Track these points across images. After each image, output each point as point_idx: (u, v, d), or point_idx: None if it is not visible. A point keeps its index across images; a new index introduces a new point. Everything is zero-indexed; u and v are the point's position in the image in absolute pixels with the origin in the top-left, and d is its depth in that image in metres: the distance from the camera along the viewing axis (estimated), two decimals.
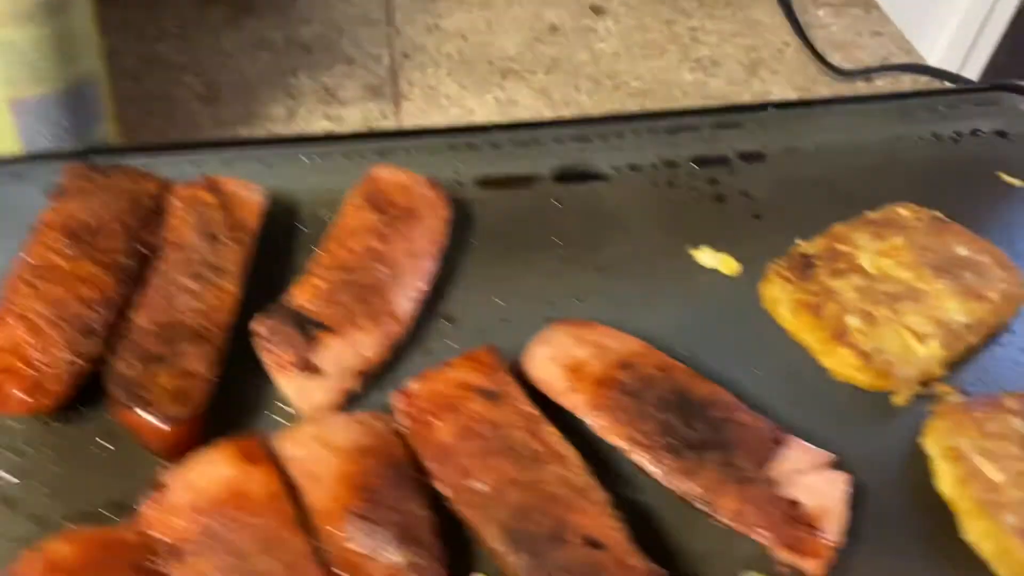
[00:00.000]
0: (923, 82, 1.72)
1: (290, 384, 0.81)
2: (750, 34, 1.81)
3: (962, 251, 1.05)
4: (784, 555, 0.75)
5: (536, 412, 0.79)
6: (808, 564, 0.74)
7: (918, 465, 0.87)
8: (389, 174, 1.00)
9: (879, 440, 0.89)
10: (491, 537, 0.72)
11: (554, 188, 1.14)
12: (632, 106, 1.58)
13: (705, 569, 0.78)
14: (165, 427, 0.75)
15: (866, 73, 1.72)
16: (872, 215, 1.10)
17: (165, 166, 1.06)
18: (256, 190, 0.98)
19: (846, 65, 1.75)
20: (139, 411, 0.75)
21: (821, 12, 1.92)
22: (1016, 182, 1.21)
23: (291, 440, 0.77)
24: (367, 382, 0.85)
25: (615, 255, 1.05)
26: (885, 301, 0.97)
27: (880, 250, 1.03)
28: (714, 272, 1.04)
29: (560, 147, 1.19)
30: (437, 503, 0.76)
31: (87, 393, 0.81)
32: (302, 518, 0.71)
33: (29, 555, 0.67)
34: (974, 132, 1.30)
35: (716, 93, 1.64)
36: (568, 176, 1.16)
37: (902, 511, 0.84)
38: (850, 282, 0.99)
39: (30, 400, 0.76)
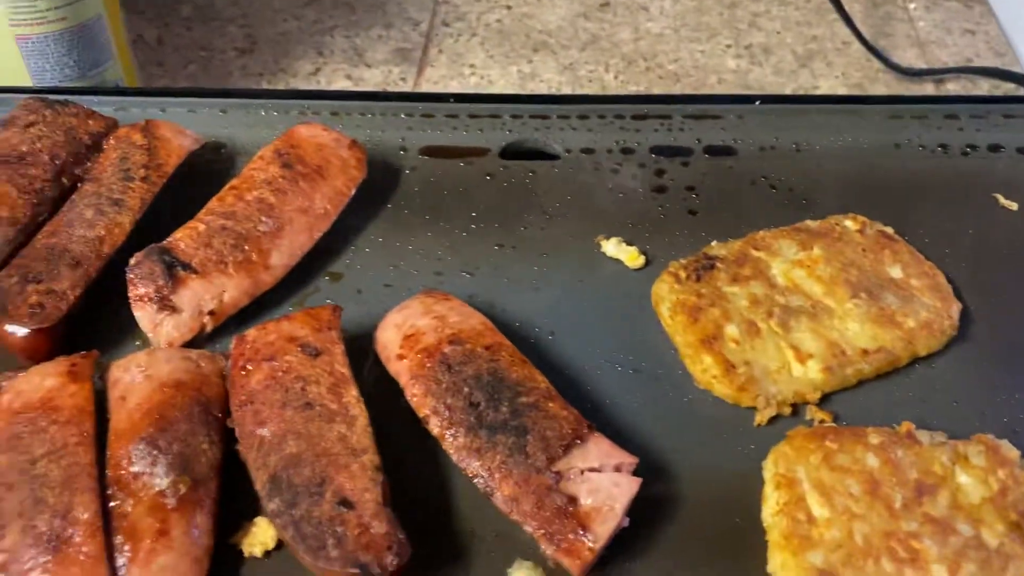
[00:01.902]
0: (1006, 89, 1.57)
1: (144, 316, 0.88)
2: (818, 24, 1.71)
3: (895, 272, 0.97)
4: (548, 548, 0.74)
5: (346, 373, 0.82)
6: (567, 562, 0.73)
7: (753, 489, 0.82)
8: (308, 132, 1.04)
9: (724, 457, 0.85)
10: (258, 480, 0.76)
11: (497, 163, 1.14)
12: (657, 89, 1.54)
13: (482, 550, 0.78)
14: (18, 335, 0.84)
15: (936, 74, 1.58)
16: (811, 223, 1.03)
17: (135, 107, 1.16)
18: (190, 136, 1.05)
19: (919, 64, 1.62)
20: None
21: (912, 5, 1.77)
22: (1012, 205, 1.09)
23: (121, 366, 0.84)
24: (218, 323, 0.90)
25: (524, 235, 1.05)
26: (779, 314, 0.92)
27: (798, 260, 0.97)
28: (617, 263, 1.02)
29: (518, 123, 1.19)
30: (232, 447, 0.80)
31: None
32: (103, 438, 0.78)
33: None
34: (994, 147, 1.18)
35: (755, 83, 1.57)
36: (515, 153, 1.16)
37: (716, 531, 0.80)
38: (748, 289, 0.94)
39: None
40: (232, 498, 0.78)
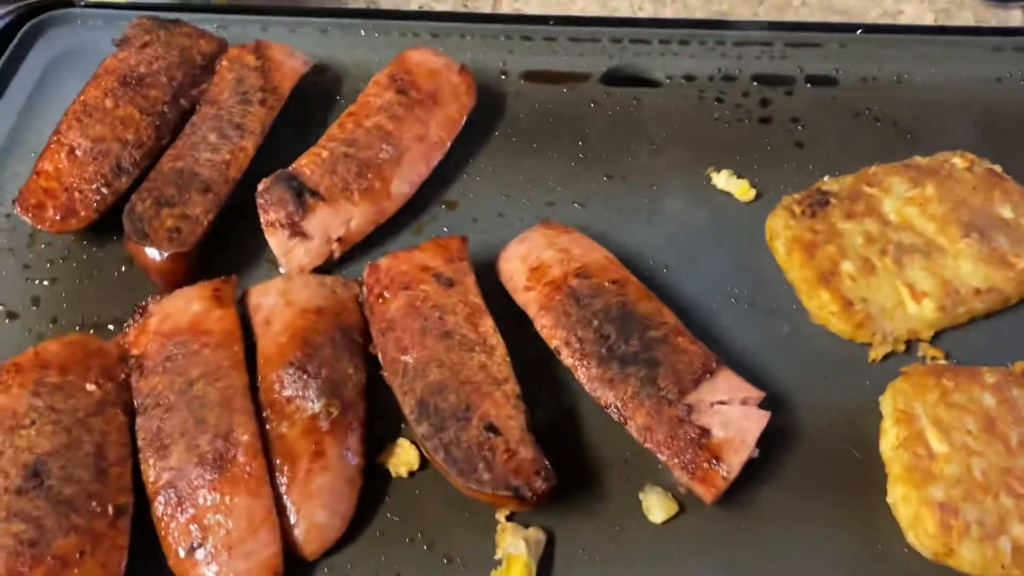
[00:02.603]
0: None
1: (276, 241, 0.90)
2: None
3: (1006, 212, 0.98)
4: (682, 477, 0.78)
5: (480, 303, 0.84)
6: (700, 490, 0.77)
7: (871, 423, 0.85)
8: (420, 57, 1.04)
9: (840, 391, 0.88)
10: (406, 405, 0.79)
11: (599, 90, 1.14)
12: (743, 10, 1.51)
13: (613, 474, 0.82)
14: (157, 259, 0.86)
15: None
16: (920, 160, 1.03)
17: (235, 25, 1.15)
18: (300, 58, 1.05)
19: None
20: (137, 242, 0.86)
21: None
22: None
23: (261, 291, 0.86)
24: (345, 249, 0.92)
25: (632, 165, 1.05)
26: (893, 252, 0.94)
27: (910, 198, 0.98)
28: (727, 196, 1.03)
29: (618, 48, 1.18)
30: (374, 370, 0.83)
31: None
32: (250, 360, 0.81)
33: (29, 350, 0.80)
34: None
35: (839, 5, 1.53)
36: (617, 79, 1.15)
37: (836, 462, 0.84)
38: (862, 226, 0.96)
39: (61, 220, 0.89)
40: (375, 420, 0.82)
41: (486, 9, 1.45)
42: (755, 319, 0.93)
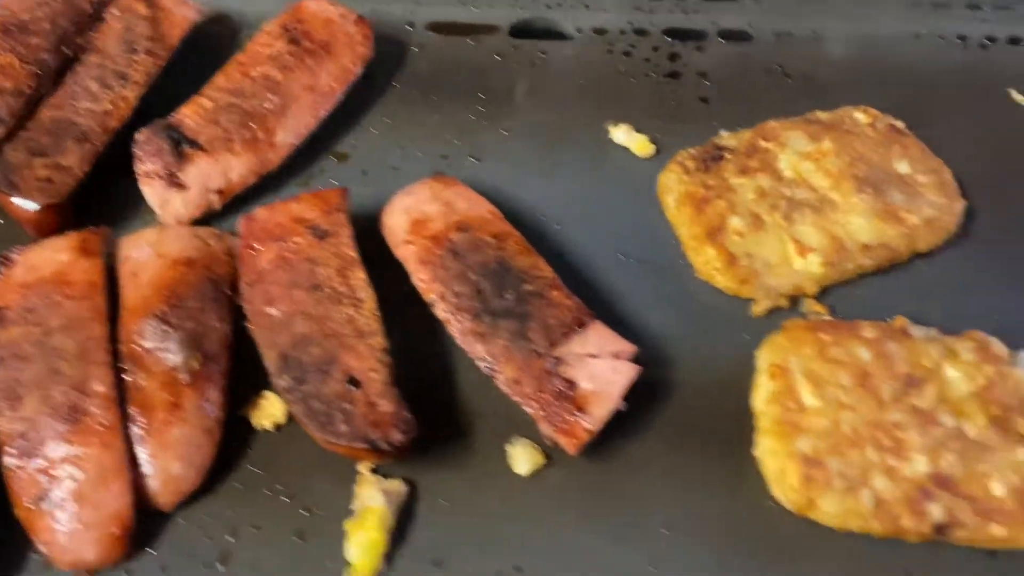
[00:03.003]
0: None
1: (151, 192, 0.89)
2: None
3: (903, 167, 0.97)
4: (547, 429, 0.77)
5: (354, 256, 0.83)
6: (564, 441, 0.77)
7: (748, 378, 0.85)
8: (316, 6, 1.02)
9: (721, 346, 0.87)
10: (268, 358, 0.78)
11: (507, 42, 1.12)
12: None
13: (480, 425, 0.81)
14: (27, 210, 0.85)
15: None
16: (822, 115, 1.02)
17: None
18: (194, 7, 1.03)
19: None
20: (7, 192, 0.85)
21: None
22: (1023, 100, 1.08)
23: (131, 242, 0.85)
24: (226, 200, 0.91)
25: (532, 119, 1.04)
26: (783, 207, 0.93)
27: (806, 153, 0.97)
28: (625, 151, 1.01)
29: (530, 0, 1.15)
30: (242, 324, 0.82)
31: None
32: (114, 312, 0.80)
33: None
34: (1014, 40, 1.15)
35: None
36: (526, 32, 1.14)
37: (710, 416, 0.83)
38: (755, 181, 0.94)
39: None
40: (243, 373, 0.81)
41: None
42: (643, 275, 0.92)
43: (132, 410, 0.75)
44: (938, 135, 1.03)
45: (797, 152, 0.97)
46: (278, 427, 0.80)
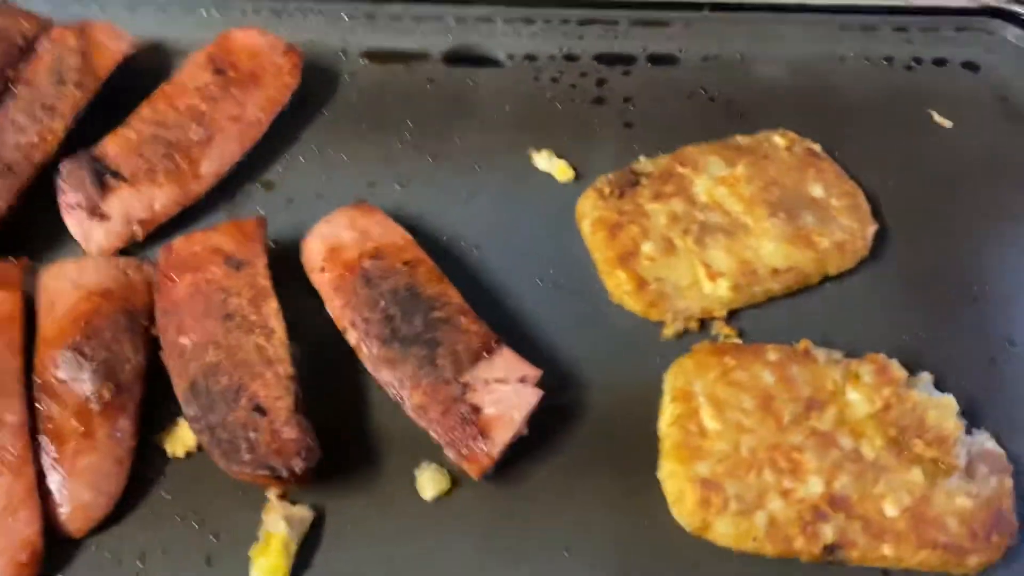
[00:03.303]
0: None
1: (73, 222, 0.91)
2: None
3: (817, 191, 0.99)
4: (451, 454, 0.79)
5: (267, 285, 0.85)
6: (467, 466, 0.78)
7: (655, 401, 0.86)
8: (243, 36, 1.04)
9: (631, 369, 0.89)
10: (178, 387, 0.80)
11: (439, 69, 1.14)
12: None
13: (392, 452, 0.83)
14: None
15: None
16: (741, 139, 1.04)
17: (74, 4, 1.15)
18: (126, 40, 1.05)
19: None
20: None
21: None
22: (945, 122, 1.10)
23: (52, 273, 0.87)
24: (149, 231, 0.93)
25: (459, 146, 1.06)
26: (696, 232, 0.95)
27: (721, 178, 0.99)
28: (546, 176, 1.03)
29: (462, 27, 1.18)
30: (156, 354, 0.84)
31: None
32: (31, 341, 0.82)
33: None
34: (939, 61, 1.18)
35: None
36: (458, 58, 1.15)
37: (615, 439, 0.85)
38: (669, 207, 0.96)
39: None
40: (158, 401, 0.83)
41: None
42: (558, 299, 0.94)
43: (44, 439, 0.77)
44: (858, 157, 1.05)
45: (713, 177, 0.99)
46: (189, 454, 0.82)
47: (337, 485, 0.81)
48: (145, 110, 0.97)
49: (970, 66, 1.18)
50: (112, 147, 0.94)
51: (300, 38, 1.10)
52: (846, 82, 1.15)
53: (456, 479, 0.82)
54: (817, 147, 1.03)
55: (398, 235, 0.90)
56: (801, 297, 0.94)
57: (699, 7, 1.21)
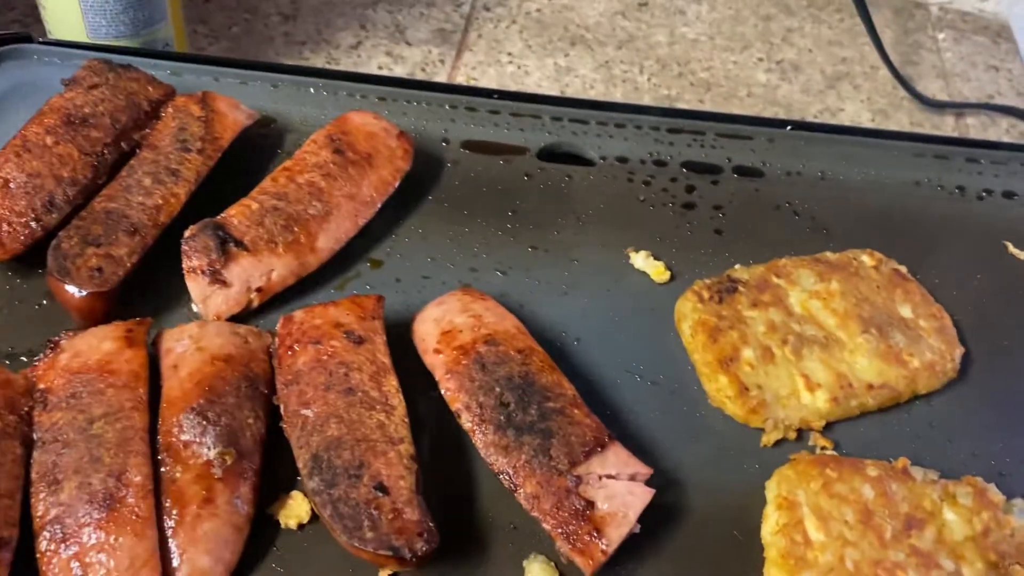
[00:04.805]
0: (1021, 130, 1.62)
1: (195, 287, 0.93)
2: (849, 45, 1.74)
3: (906, 311, 1.02)
4: (563, 547, 0.80)
5: (387, 363, 0.87)
6: (580, 561, 0.79)
7: (756, 507, 0.88)
8: (361, 119, 1.08)
9: (730, 473, 0.91)
10: (300, 459, 0.81)
11: (535, 164, 1.18)
12: (689, 95, 1.58)
13: (501, 540, 0.84)
14: (76, 297, 0.88)
15: (958, 108, 1.63)
16: (830, 255, 1.08)
17: (189, 74, 1.19)
18: (245, 111, 1.09)
19: (943, 96, 1.66)
20: (59, 278, 0.88)
21: (941, 35, 1.81)
22: (1020, 254, 1.15)
23: (174, 335, 0.88)
24: (264, 299, 0.95)
25: (557, 239, 1.09)
26: (793, 342, 0.97)
27: (815, 291, 1.02)
28: (644, 276, 1.07)
29: (557, 125, 1.23)
30: (276, 422, 0.85)
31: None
32: (155, 402, 0.83)
33: None
34: (1008, 194, 1.23)
35: (783, 99, 1.61)
36: (553, 155, 1.20)
37: (718, 543, 0.86)
38: (766, 315, 1.00)
39: None
40: (271, 470, 0.83)
41: (440, 77, 1.51)
42: (656, 397, 0.96)
43: (166, 502, 0.77)
44: (937, 281, 1.09)
45: (806, 290, 1.02)
46: (301, 526, 0.82)
47: (448, 570, 0.81)
48: (267, 183, 1.00)
49: None
50: (235, 216, 0.96)
51: (404, 124, 1.15)
52: (921, 206, 1.20)
53: (562, 574, 0.82)
54: (903, 268, 1.07)
55: (510, 322, 0.93)
56: (892, 413, 0.97)
57: (782, 124, 1.27)
